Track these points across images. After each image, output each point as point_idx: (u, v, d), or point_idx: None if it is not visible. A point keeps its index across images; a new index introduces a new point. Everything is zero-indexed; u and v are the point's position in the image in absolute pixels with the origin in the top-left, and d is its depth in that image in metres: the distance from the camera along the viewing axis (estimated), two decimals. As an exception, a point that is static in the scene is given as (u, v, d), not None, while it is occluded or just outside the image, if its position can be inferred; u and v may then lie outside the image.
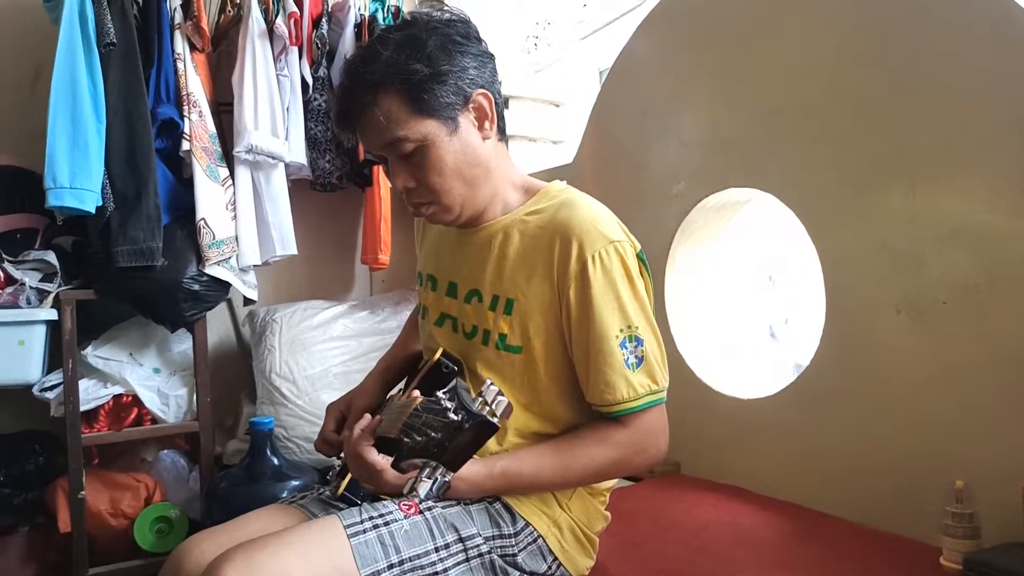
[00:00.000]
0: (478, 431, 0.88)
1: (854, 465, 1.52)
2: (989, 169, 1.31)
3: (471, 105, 1.14)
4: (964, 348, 1.34)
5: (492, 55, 1.19)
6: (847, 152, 1.53)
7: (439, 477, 0.92)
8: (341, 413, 1.32)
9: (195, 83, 2.06)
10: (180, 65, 2.04)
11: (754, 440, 1.74)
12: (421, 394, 1.03)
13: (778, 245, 2.23)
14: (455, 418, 0.88)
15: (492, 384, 0.91)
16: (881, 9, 1.47)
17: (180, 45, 2.05)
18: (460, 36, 1.14)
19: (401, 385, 1.39)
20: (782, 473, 1.67)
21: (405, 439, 0.94)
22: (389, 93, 1.09)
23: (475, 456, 1.08)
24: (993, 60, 1.29)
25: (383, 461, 1.02)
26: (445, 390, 0.91)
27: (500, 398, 0.89)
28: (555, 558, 1.18)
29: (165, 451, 2.21)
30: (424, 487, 0.91)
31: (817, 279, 1.61)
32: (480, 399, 0.89)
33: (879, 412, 1.48)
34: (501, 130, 1.21)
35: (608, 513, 1.29)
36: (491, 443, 1.17)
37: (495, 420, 0.88)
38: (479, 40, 1.17)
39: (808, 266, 1.70)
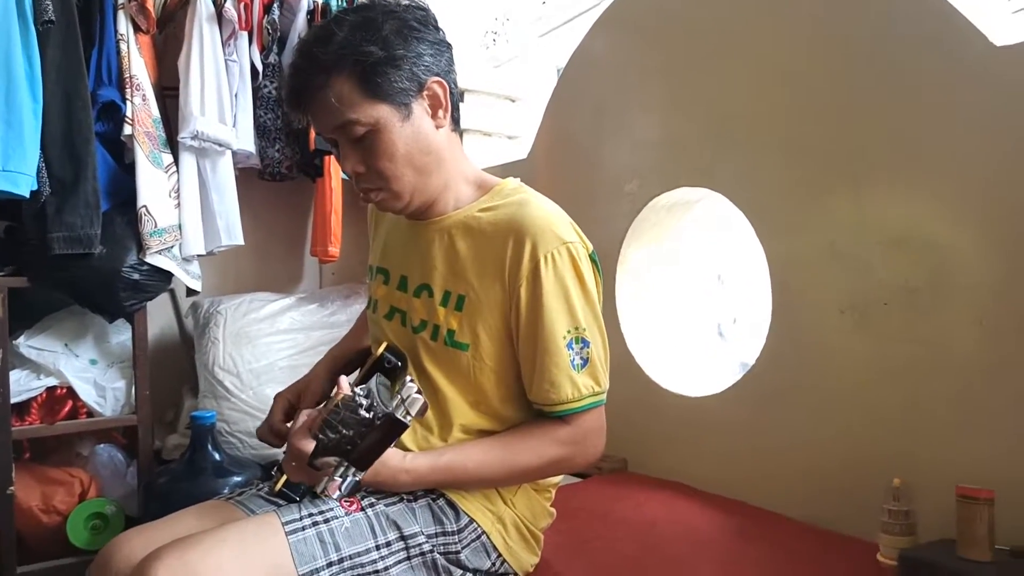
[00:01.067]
0: (387, 429, 0.88)
1: (798, 463, 1.54)
2: (934, 177, 1.34)
3: (425, 92, 1.12)
4: (904, 350, 1.37)
5: (449, 44, 1.17)
6: (797, 156, 1.55)
7: (350, 477, 0.90)
8: (289, 402, 1.28)
9: (139, 65, 1.99)
10: (123, 46, 1.97)
11: (701, 438, 1.75)
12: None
13: (728, 244, 2.25)
14: (366, 416, 0.87)
15: (412, 382, 0.90)
16: (833, 18, 1.48)
17: (124, 25, 1.97)
18: (417, 22, 1.12)
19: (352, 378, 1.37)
20: (728, 471, 1.69)
21: (320, 436, 0.93)
22: (342, 75, 1.06)
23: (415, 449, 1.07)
24: (941, 71, 1.32)
25: (306, 456, 0.99)
26: (363, 387, 0.90)
27: (416, 396, 0.88)
28: (499, 555, 1.18)
29: (102, 445, 2.13)
30: (334, 487, 0.90)
31: (765, 279, 1.63)
32: (398, 397, 0.88)
33: (822, 411, 1.50)
34: (455, 121, 1.19)
35: (553, 510, 1.29)
36: (436, 440, 1.16)
37: (406, 419, 0.87)
38: (436, 28, 1.16)
39: (757, 266, 1.72)
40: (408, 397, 0.87)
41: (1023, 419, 1.22)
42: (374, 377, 0.97)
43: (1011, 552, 1.15)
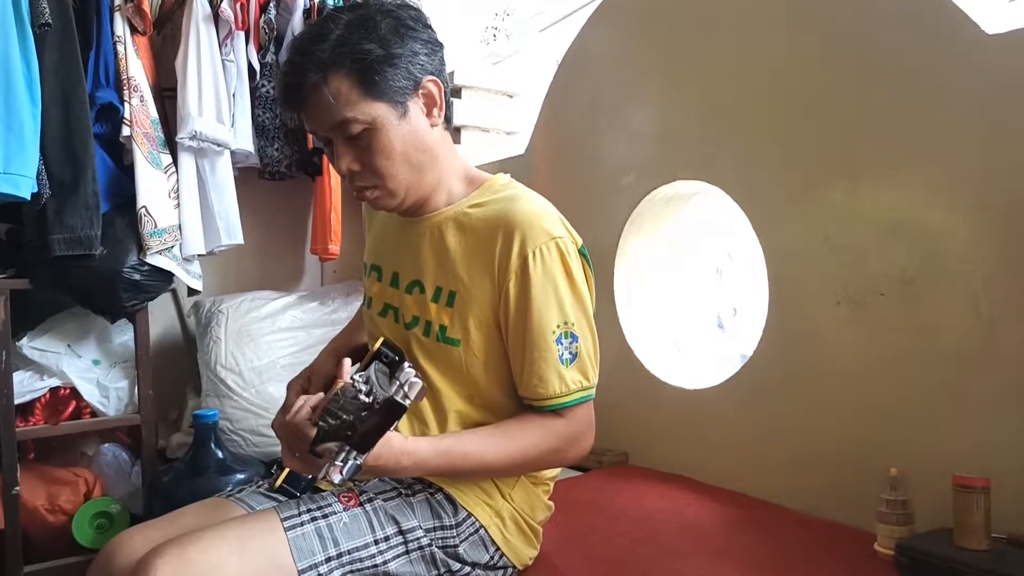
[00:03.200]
0: (387, 412, 0.88)
1: (795, 454, 1.55)
2: (928, 166, 1.34)
3: (421, 91, 1.12)
4: (900, 340, 1.37)
5: (441, 43, 1.18)
6: (792, 148, 1.55)
7: (351, 460, 0.91)
8: (303, 388, 1.29)
9: (136, 67, 2.00)
10: (120, 48, 1.98)
11: (700, 430, 1.76)
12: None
13: (727, 237, 2.25)
14: (366, 400, 0.88)
15: (409, 367, 0.90)
16: (827, 9, 1.48)
17: (120, 27, 1.98)
18: (412, 20, 1.13)
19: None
20: (727, 463, 1.69)
21: (321, 423, 0.93)
22: (339, 73, 1.06)
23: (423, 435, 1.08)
24: (934, 60, 1.32)
25: (308, 442, 0.99)
26: (361, 374, 0.91)
27: (414, 380, 0.89)
28: (497, 548, 1.18)
29: (106, 445, 2.15)
30: (336, 473, 0.90)
31: (762, 271, 1.63)
32: (396, 382, 0.89)
33: (819, 402, 1.51)
34: (447, 119, 1.19)
35: (551, 503, 1.30)
36: (433, 432, 1.17)
37: (405, 402, 0.88)
38: (429, 27, 1.16)
39: (755, 258, 1.72)
40: (407, 381, 0.88)
41: (1019, 407, 1.22)
42: (372, 364, 0.98)
43: (1008, 540, 1.16)
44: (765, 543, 1.38)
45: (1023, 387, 1.22)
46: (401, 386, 0.88)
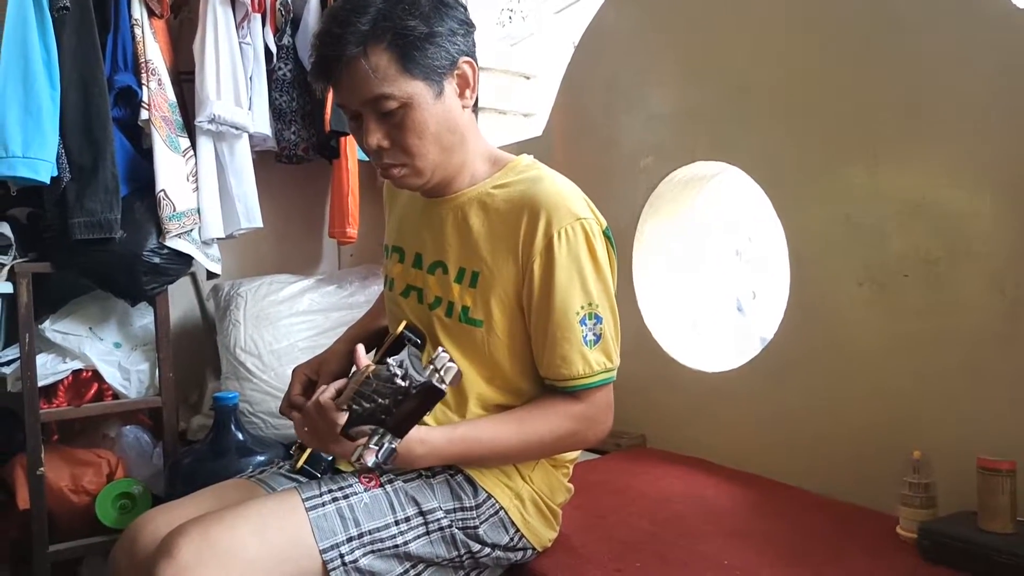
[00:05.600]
0: (424, 396, 0.88)
1: (816, 438, 1.54)
2: (952, 145, 1.31)
3: (456, 72, 1.12)
4: (923, 321, 1.36)
5: (474, 24, 1.17)
6: (813, 127, 1.53)
7: (386, 444, 0.90)
8: (307, 377, 1.29)
9: (154, 50, 1.99)
10: (138, 31, 1.98)
11: (719, 413, 1.75)
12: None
13: (746, 219, 2.23)
14: (402, 384, 0.87)
15: (444, 351, 0.90)
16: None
17: (138, 11, 1.98)
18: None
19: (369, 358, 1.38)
20: (746, 446, 1.68)
21: (354, 406, 0.93)
22: (380, 47, 1.05)
23: (432, 423, 1.08)
24: (957, 36, 1.29)
25: (343, 421, 0.99)
26: (395, 358, 0.90)
27: (450, 364, 0.88)
28: (517, 530, 1.19)
29: (128, 427, 2.17)
30: (370, 455, 0.89)
31: (783, 253, 1.62)
32: (431, 367, 0.88)
33: (840, 385, 1.49)
34: (475, 101, 1.19)
35: (571, 485, 1.30)
36: (453, 414, 1.17)
37: (442, 386, 0.88)
38: (463, 6, 1.16)
39: (775, 240, 1.70)
40: (443, 366, 0.88)
41: (1045, 389, 1.21)
42: (405, 348, 0.97)
43: (1033, 523, 1.15)
44: (785, 525, 1.38)
45: (1050, 369, 1.20)
46: (437, 370, 0.87)
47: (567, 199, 1.12)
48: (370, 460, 0.90)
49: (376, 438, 0.91)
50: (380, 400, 0.91)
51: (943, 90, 1.31)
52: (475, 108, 1.21)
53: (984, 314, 1.28)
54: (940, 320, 1.33)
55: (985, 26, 1.25)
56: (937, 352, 1.34)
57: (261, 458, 1.92)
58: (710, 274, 2.09)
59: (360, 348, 1.04)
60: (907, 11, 1.36)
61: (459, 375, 0.90)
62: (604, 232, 1.16)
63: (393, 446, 0.92)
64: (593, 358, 1.12)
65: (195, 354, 2.43)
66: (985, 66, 1.26)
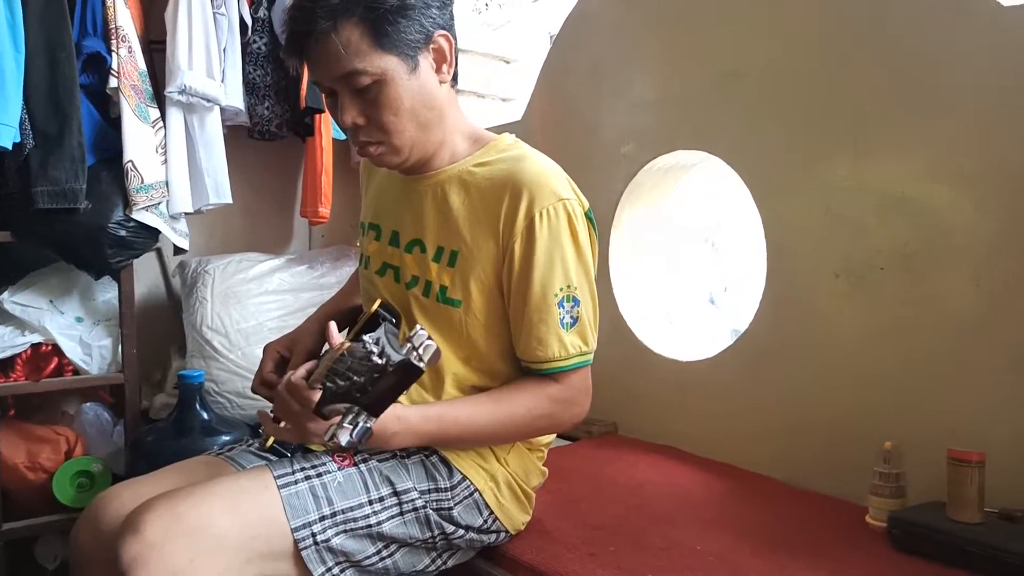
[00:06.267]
0: (402, 374, 0.86)
1: (788, 428, 1.55)
2: (935, 139, 1.33)
3: (432, 46, 1.09)
4: (898, 314, 1.37)
5: None
6: (795, 118, 1.53)
7: (361, 423, 0.88)
8: (280, 354, 1.27)
9: (124, 16, 1.93)
10: (108, -4, 1.91)
11: (691, 402, 1.76)
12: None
13: (720, 211, 2.24)
14: (379, 362, 0.85)
15: (422, 329, 0.88)
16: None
17: (108, -25, 1.91)
18: None
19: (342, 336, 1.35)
20: (718, 435, 1.69)
21: (328, 384, 0.91)
22: (351, 21, 1.02)
23: (407, 404, 1.06)
24: (943, 31, 1.30)
25: (312, 403, 0.97)
26: (371, 335, 0.88)
27: (428, 343, 0.87)
28: (491, 512, 1.18)
29: (88, 404, 2.11)
30: (344, 434, 0.87)
31: (759, 245, 1.62)
32: (408, 344, 0.86)
33: (814, 375, 1.50)
34: (454, 77, 1.16)
35: (545, 469, 1.29)
36: (428, 395, 1.15)
37: (420, 364, 0.86)
38: None
39: (749, 233, 1.71)
40: (421, 344, 0.86)
41: (1015, 381, 1.23)
42: (382, 325, 0.95)
43: (1000, 514, 1.17)
44: (756, 514, 1.39)
45: (1021, 363, 1.22)
46: (415, 348, 0.85)
47: (550, 179, 1.11)
48: (344, 439, 0.88)
49: (351, 417, 0.89)
50: (355, 378, 0.89)
51: (927, 84, 1.32)
52: (455, 84, 1.18)
53: (959, 307, 1.29)
54: (915, 312, 1.35)
55: (971, 22, 1.26)
56: (912, 344, 1.35)
57: (226, 438, 1.87)
58: (685, 264, 2.10)
59: (332, 325, 1.01)
60: (892, 5, 1.36)
61: (437, 353, 0.88)
62: (586, 214, 1.15)
63: (368, 425, 0.90)
64: (569, 341, 1.11)
65: (159, 331, 2.37)
66: (970, 62, 1.27)
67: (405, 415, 1.04)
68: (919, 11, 1.33)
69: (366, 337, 0.87)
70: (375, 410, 0.91)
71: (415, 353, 0.87)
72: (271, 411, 1.08)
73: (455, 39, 1.13)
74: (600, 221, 1.94)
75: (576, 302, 1.12)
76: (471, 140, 1.20)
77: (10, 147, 1.72)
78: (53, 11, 1.81)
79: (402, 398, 1.12)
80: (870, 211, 1.41)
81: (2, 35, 1.71)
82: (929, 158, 1.33)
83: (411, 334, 0.88)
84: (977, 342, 1.27)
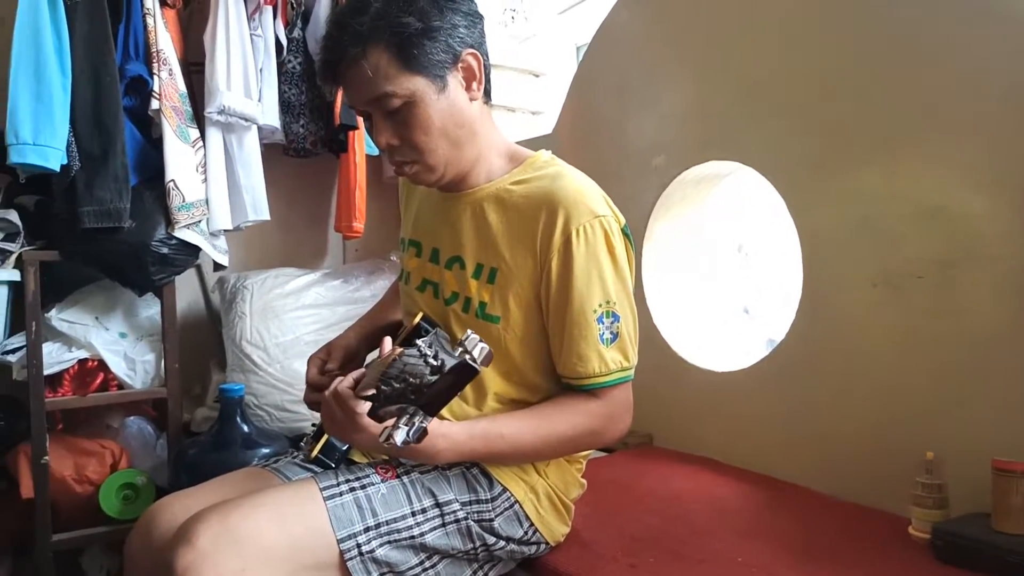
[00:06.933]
0: (458, 374, 0.87)
1: (827, 438, 1.54)
2: (970, 148, 1.32)
3: (460, 65, 1.11)
4: (937, 323, 1.36)
5: (481, 15, 1.17)
6: (828, 127, 1.53)
7: (416, 423, 0.90)
8: (323, 361, 1.29)
9: (165, 40, 1.99)
10: (150, 20, 1.97)
11: (728, 413, 1.75)
12: None
13: (753, 221, 2.24)
14: (435, 363, 0.86)
15: (472, 333, 0.89)
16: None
17: (150, 0, 1.97)
18: None
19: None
20: (755, 445, 1.69)
21: (383, 387, 0.92)
22: (379, 46, 1.05)
23: (450, 418, 1.07)
24: (977, 38, 1.29)
25: (363, 408, 0.98)
26: (424, 339, 0.89)
27: (481, 344, 0.88)
28: (531, 524, 1.19)
29: (132, 418, 2.16)
30: (400, 433, 0.88)
31: (793, 255, 1.62)
32: (461, 347, 0.88)
33: (852, 385, 1.49)
34: (487, 93, 1.18)
35: (584, 481, 1.30)
36: (471, 409, 1.17)
37: (476, 364, 0.87)
38: None
39: (783, 242, 1.71)
40: (474, 346, 0.87)
41: (1058, 392, 1.21)
42: (434, 331, 0.96)
43: (1046, 525, 1.15)
44: (796, 525, 1.38)
45: (1065, 372, 1.21)
46: (467, 351, 0.87)
47: (586, 196, 1.12)
48: (399, 438, 0.88)
49: (406, 417, 0.90)
50: (411, 379, 0.90)
51: (961, 92, 1.32)
52: (487, 101, 1.20)
53: (998, 316, 1.28)
54: (954, 321, 1.33)
55: (1005, 29, 1.26)
56: (950, 353, 1.34)
57: (266, 450, 1.91)
58: (719, 274, 2.09)
59: (387, 339, 1.04)
60: (925, 11, 1.36)
61: (491, 355, 0.89)
62: (623, 230, 1.16)
63: (424, 424, 0.91)
64: (609, 356, 1.12)
65: (199, 346, 2.42)
66: (1004, 69, 1.26)
67: (451, 432, 1.05)
68: (952, 19, 1.32)
69: (419, 342, 0.89)
70: (432, 409, 0.92)
71: (469, 355, 0.88)
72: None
73: (485, 56, 1.15)
74: (633, 233, 1.95)
75: (616, 317, 1.13)
76: (508, 157, 1.22)
77: (57, 169, 1.78)
78: (98, 37, 1.87)
79: (446, 412, 1.14)
80: (906, 220, 1.40)
81: (50, 61, 1.77)
82: (965, 167, 1.32)
83: (463, 338, 0.89)
84: (1018, 351, 1.26)
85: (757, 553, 1.25)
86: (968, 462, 1.24)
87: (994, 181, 1.29)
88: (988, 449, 1.21)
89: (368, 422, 0.98)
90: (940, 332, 1.35)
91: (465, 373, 0.87)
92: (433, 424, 1.02)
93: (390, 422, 0.91)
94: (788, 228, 1.63)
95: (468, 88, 1.13)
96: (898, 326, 1.42)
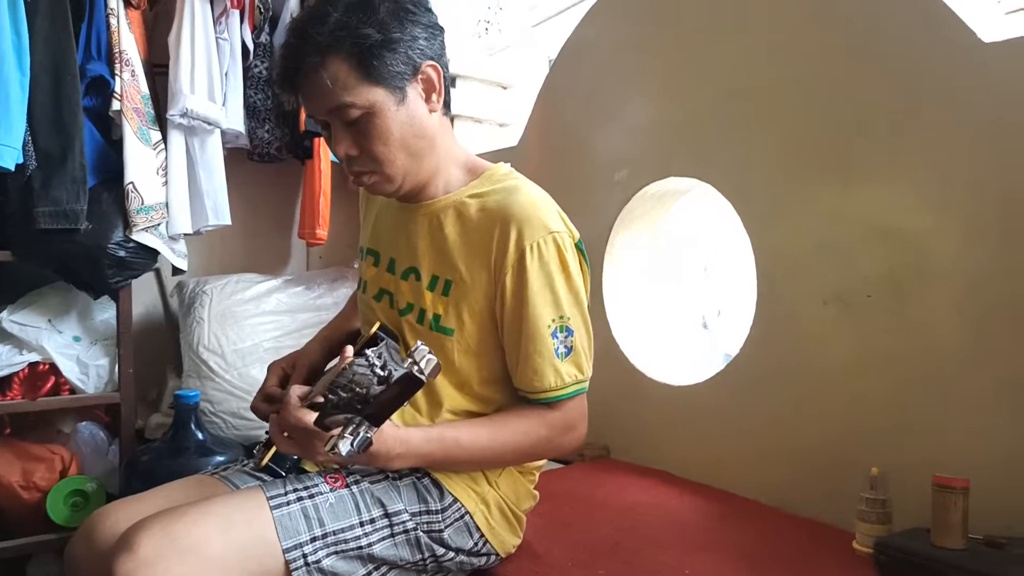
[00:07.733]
0: (404, 385, 0.87)
1: (778, 453, 1.56)
2: (921, 169, 1.35)
3: (420, 76, 1.12)
4: (886, 340, 1.39)
5: (442, 28, 1.17)
6: (786, 147, 1.56)
7: (361, 432, 0.90)
8: (284, 371, 1.29)
9: (128, 41, 1.96)
10: (113, 21, 1.94)
11: (683, 426, 1.77)
12: None
13: (714, 236, 2.26)
14: (382, 373, 0.87)
15: (422, 344, 0.90)
16: (825, 12, 1.49)
17: (114, 0, 1.95)
18: (412, 4, 1.12)
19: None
20: (709, 459, 1.70)
21: (330, 396, 0.92)
22: (338, 57, 1.05)
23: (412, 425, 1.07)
24: (930, 65, 1.33)
25: (309, 418, 0.98)
26: (373, 349, 0.90)
27: (429, 356, 0.88)
28: (482, 535, 1.19)
29: (84, 423, 2.12)
30: (345, 444, 0.88)
31: (750, 270, 1.65)
32: (410, 359, 0.88)
33: (803, 401, 1.52)
34: (447, 105, 1.19)
35: (536, 492, 1.30)
36: (424, 420, 1.17)
37: (422, 376, 0.87)
38: (429, 11, 1.15)
39: (742, 258, 1.73)
40: (422, 358, 0.88)
41: (1000, 408, 1.24)
42: (384, 341, 0.97)
43: (984, 541, 1.18)
44: (746, 538, 1.40)
45: (1006, 390, 1.24)
46: (416, 362, 0.87)
47: (540, 212, 1.13)
48: (344, 448, 0.89)
49: (352, 427, 0.90)
50: (358, 389, 0.90)
51: (914, 116, 1.35)
52: (447, 112, 1.20)
53: (945, 334, 1.31)
54: (902, 339, 1.37)
55: (955, 57, 1.29)
56: (899, 370, 1.37)
57: (220, 458, 1.88)
58: (678, 289, 2.12)
59: (349, 349, 1.04)
60: (885, 39, 1.39)
61: (438, 367, 0.90)
62: (576, 245, 1.17)
63: (369, 435, 0.91)
64: (565, 370, 1.13)
65: (156, 351, 2.39)
66: (955, 94, 1.30)
67: (407, 437, 1.06)
68: (906, 45, 1.36)
69: (368, 351, 0.89)
70: (377, 420, 0.92)
71: (416, 366, 0.89)
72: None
73: (445, 68, 1.15)
74: (593, 245, 1.98)
75: (570, 332, 1.14)
76: (466, 169, 1.23)
77: (12, 168, 1.74)
78: (59, 35, 1.84)
79: (397, 419, 1.14)
80: (858, 239, 1.43)
81: (8, 58, 1.74)
82: (916, 188, 1.36)
83: (412, 349, 0.90)
84: (962, 369, 1.29)
85: (705, 565, 1.26)
86: (915, 477, 1.27)
87: (941, 203, 1.32)
88: (933, 465, 1.24)
89: (312, 434, 0.97)
90: (889, 349, 1.38)
91: (411, 384, 0.88)
92: (389, 429, 1.02)
93: (336, 430, 0.91)
94: (746, 244, 1.66)
95: (428, 100, 1.14)
96: (849, 343, 1.45)
